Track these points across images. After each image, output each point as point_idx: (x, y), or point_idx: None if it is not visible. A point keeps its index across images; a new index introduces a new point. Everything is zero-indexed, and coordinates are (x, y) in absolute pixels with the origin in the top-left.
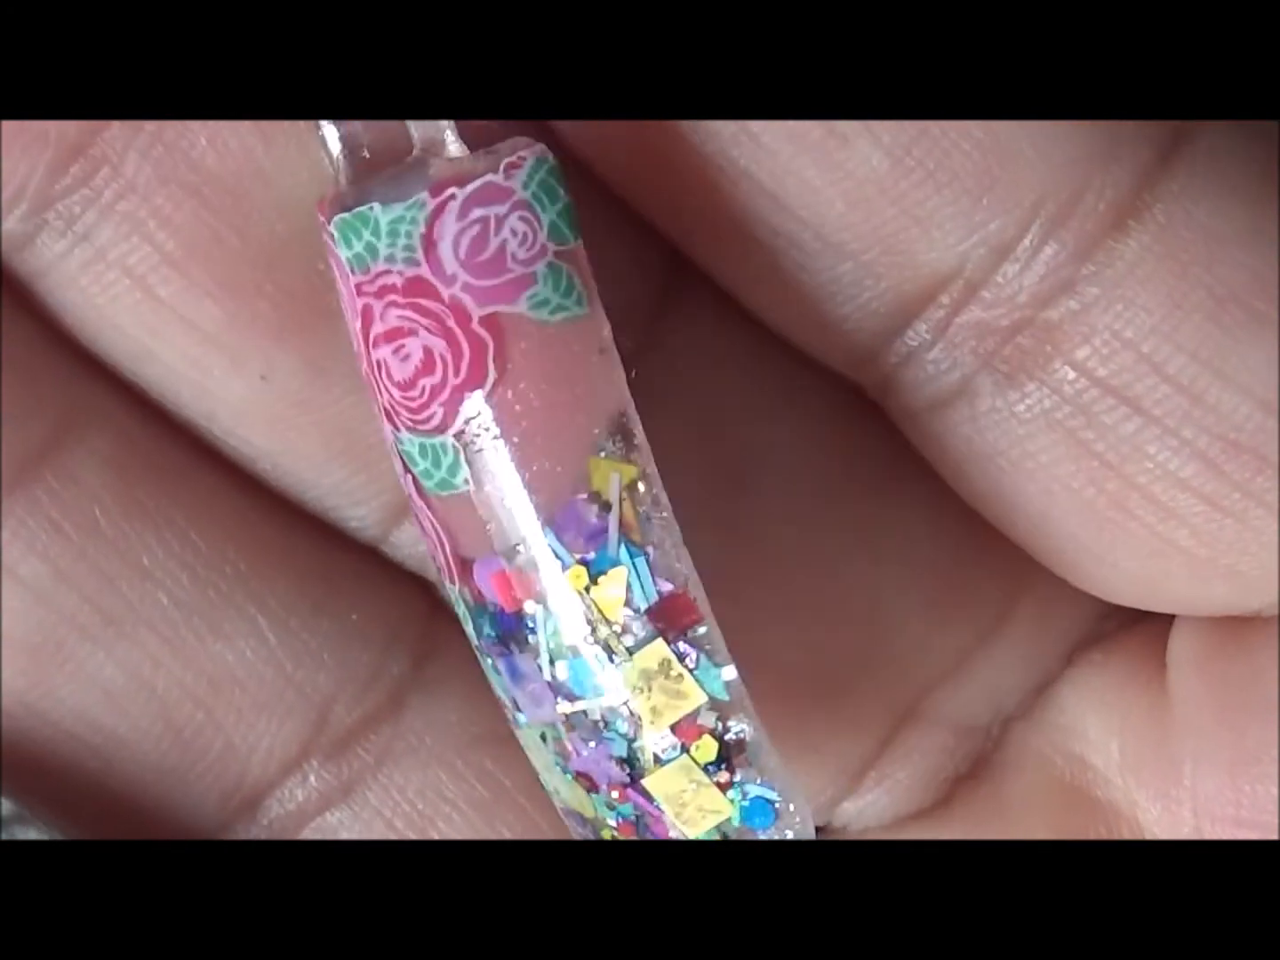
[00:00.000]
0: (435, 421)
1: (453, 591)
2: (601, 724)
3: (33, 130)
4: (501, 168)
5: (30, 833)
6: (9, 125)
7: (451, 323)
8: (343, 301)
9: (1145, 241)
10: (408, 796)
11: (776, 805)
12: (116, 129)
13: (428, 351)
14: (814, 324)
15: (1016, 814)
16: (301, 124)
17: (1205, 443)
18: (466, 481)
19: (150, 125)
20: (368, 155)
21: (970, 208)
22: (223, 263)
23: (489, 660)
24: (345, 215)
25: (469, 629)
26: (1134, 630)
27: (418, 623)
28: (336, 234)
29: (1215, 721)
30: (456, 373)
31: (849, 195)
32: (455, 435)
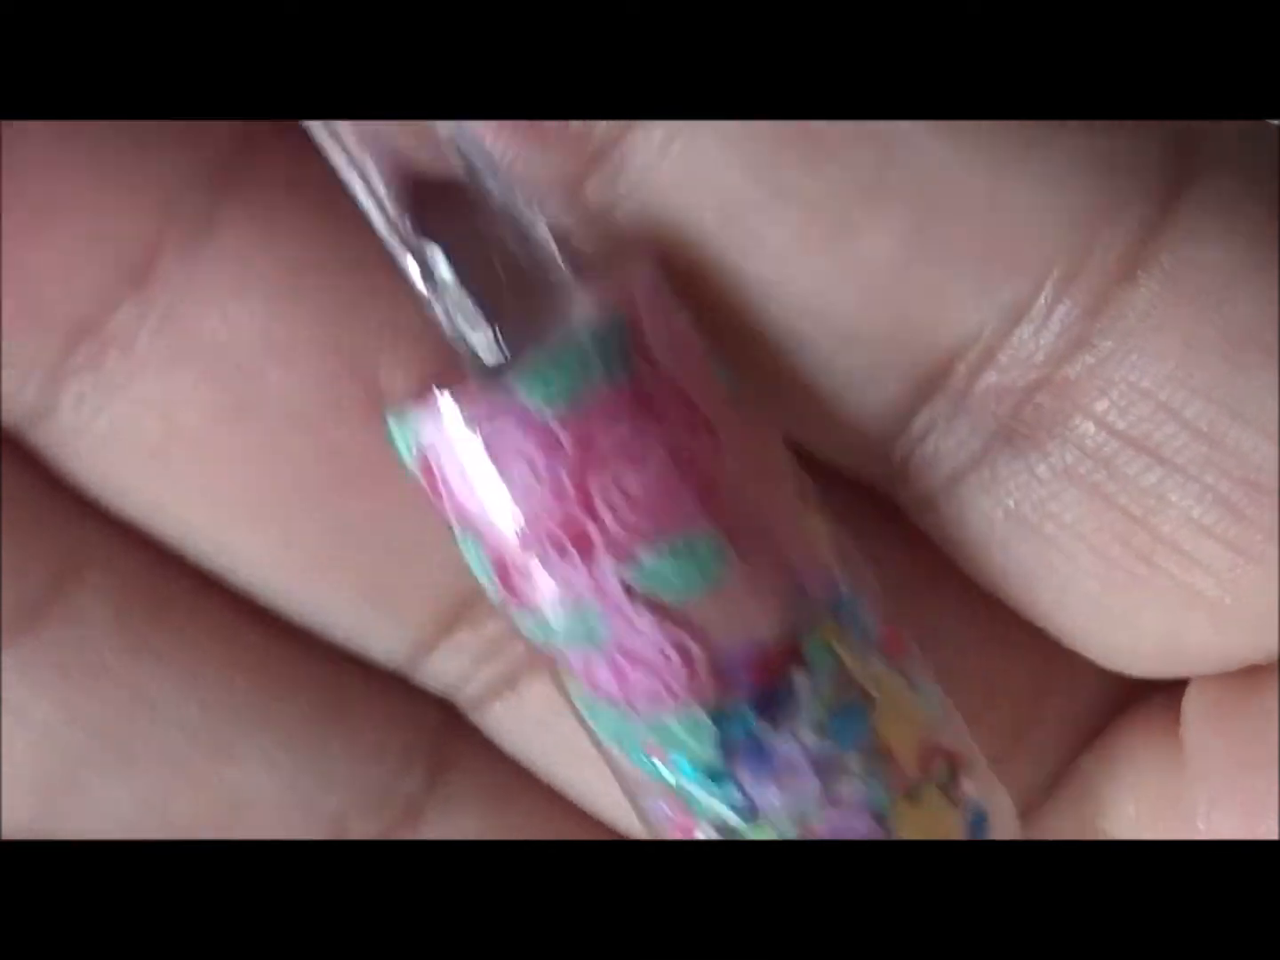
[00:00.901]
0: (691, 519)
1: (684, 723)
2: (863, 778)
3: (37, 312)
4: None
5: None
6: (13, 307)
7: (684, 410)
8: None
9: (1155, 290)
10: None
11: (989, 812)
12: (127, 310)
13: (672, 450)
14: (826, 422)
15: None
16: (315, 303)
17: (1227, 487)
18: (730, 564)
19: (162, 302)
20: None
21: (983, 277)
22: (240, 438)
23: (727, 779)
24: (539, 354)
25: (708, 748)
26: (1151, 696)
27: (432, 737)
28: (525, 383)
29: (1230, 766)
30: (704, 457)
31: (861, 285)
32: (715, 521)
